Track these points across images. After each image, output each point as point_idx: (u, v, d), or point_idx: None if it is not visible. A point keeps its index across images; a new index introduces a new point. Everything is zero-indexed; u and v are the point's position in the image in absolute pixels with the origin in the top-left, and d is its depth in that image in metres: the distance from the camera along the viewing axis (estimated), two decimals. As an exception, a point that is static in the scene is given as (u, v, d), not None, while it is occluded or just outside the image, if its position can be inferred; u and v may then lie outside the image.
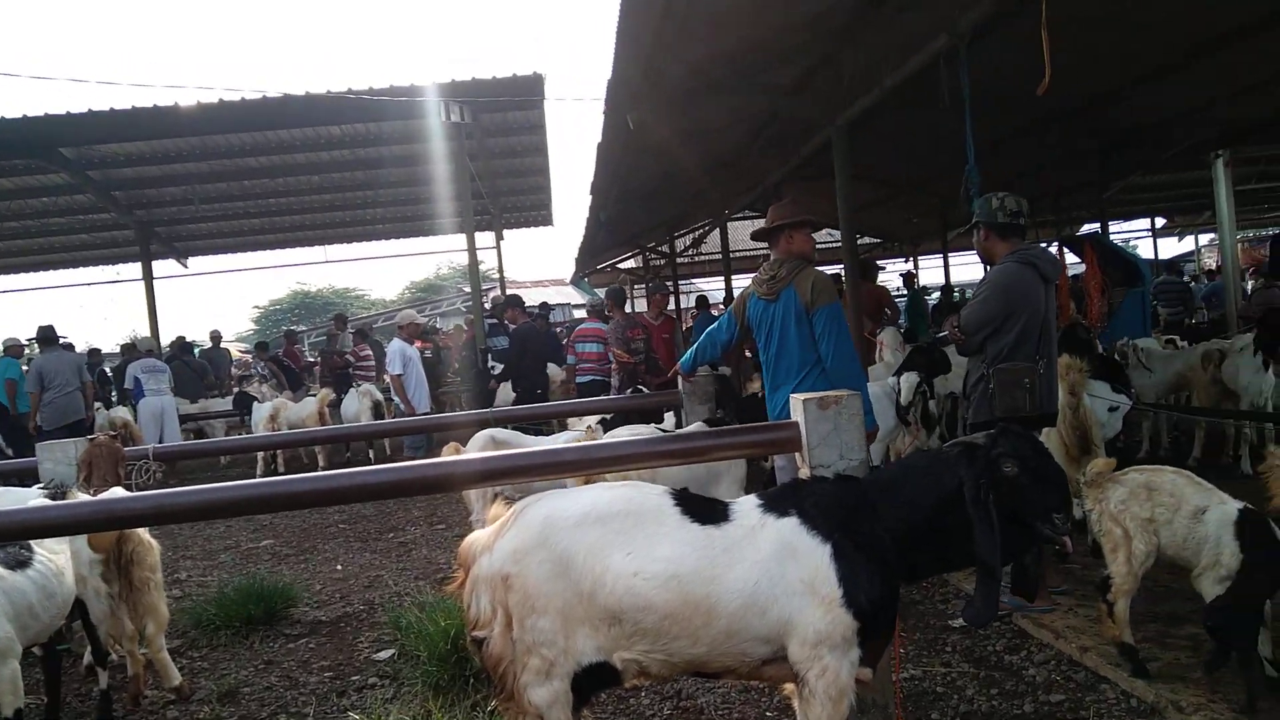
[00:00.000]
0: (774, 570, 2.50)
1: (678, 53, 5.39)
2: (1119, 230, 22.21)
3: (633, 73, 5.48)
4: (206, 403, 13.03)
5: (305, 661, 4.58)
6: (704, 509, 2.64)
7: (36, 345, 10.35)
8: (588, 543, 2.54)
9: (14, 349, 11.20)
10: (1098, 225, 12.26)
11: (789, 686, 2.70)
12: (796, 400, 2.95)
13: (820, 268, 4.39)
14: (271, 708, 4.02)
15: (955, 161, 6.87)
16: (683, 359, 4.90)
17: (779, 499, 2.66)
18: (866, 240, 16.22)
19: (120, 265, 18.48)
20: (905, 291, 14.31)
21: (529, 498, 2.73)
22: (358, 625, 5.07)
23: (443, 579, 5.82)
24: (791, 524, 2.56)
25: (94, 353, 16.77)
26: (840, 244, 8.47)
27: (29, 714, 4.10)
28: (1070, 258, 10.23)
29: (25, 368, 10.83)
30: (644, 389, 7.86)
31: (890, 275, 22.14)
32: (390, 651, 4.54)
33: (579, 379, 8.97)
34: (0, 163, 12.36)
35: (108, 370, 13.89)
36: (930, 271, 22.32)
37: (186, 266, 18.09)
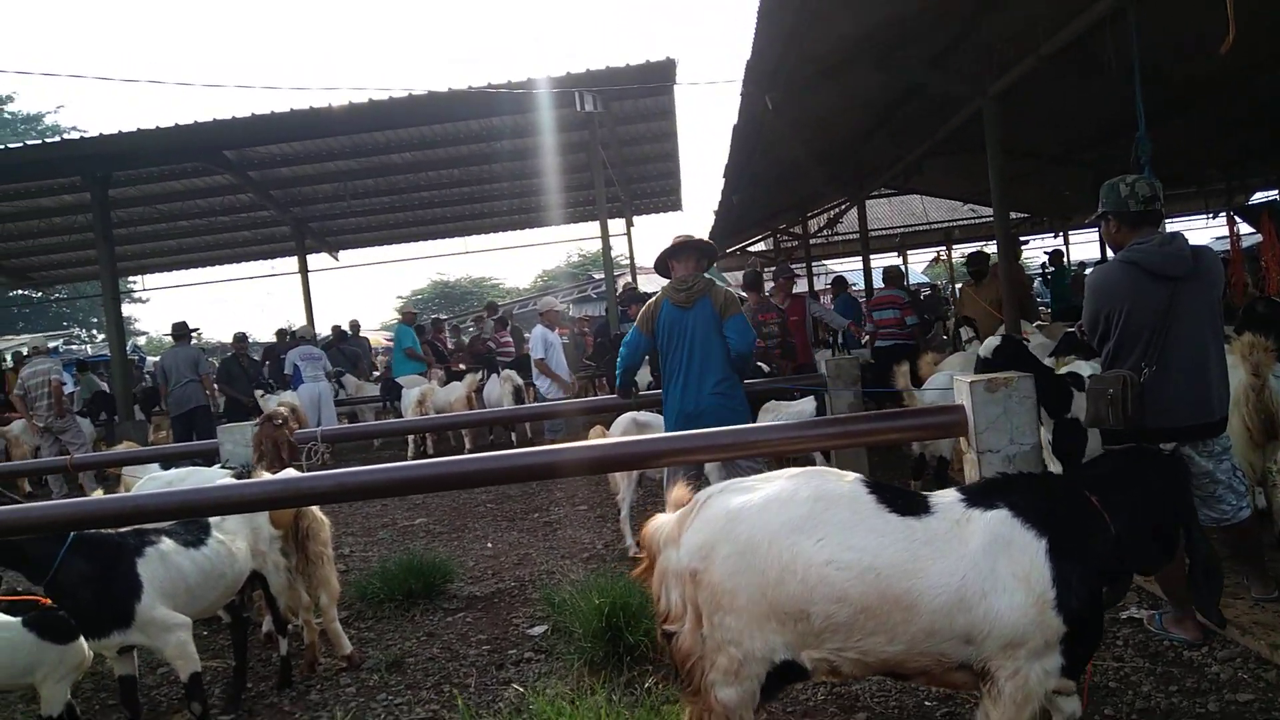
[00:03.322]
0: (983, 565, 2.39)
1: (819, 29, 5.27)
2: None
3: (773, 52, 5.41)
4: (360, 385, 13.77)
5: (464, 634, 4.76)
6: (902, 499, 2.54)
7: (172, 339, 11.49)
8: (773, 528, 2.45)
9: (408, 316, 14.11)
10: (1275, 192, 11.32)
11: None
12: (962, 383, 2.85)
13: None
14: (435, 678, 4.21)
15: (1111, 129, 6.48)
16: (619, 381, 5.31)
17: (985, 492, 2.55)
18: (1013, 215, 15.47)
19: (276, 260, 19.71)
20: (1052, 269, 13.69)
21: (711, 487, 2.68)
22: (511, 601, 5.24)
23: (589, 558, 5.96)
24: (1002, 516, 2.44)
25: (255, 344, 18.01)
26: (985, 220, 8.12)
27: (219, 676, 4.47)
28: (1244, 228, 9.49)
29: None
30: (764, 366, 7.74)
31: (1034, 251, 21.11)
32: (544, 627, 4.67)
33: (879, 344, 9.35)
34: (172, 166, 13.37)
35: (255, 358, 14.93)
36: (1084, 247, 21.19)
37: (338, 259, 19.10)
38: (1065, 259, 13.76)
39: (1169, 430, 3.54)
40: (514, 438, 11.57)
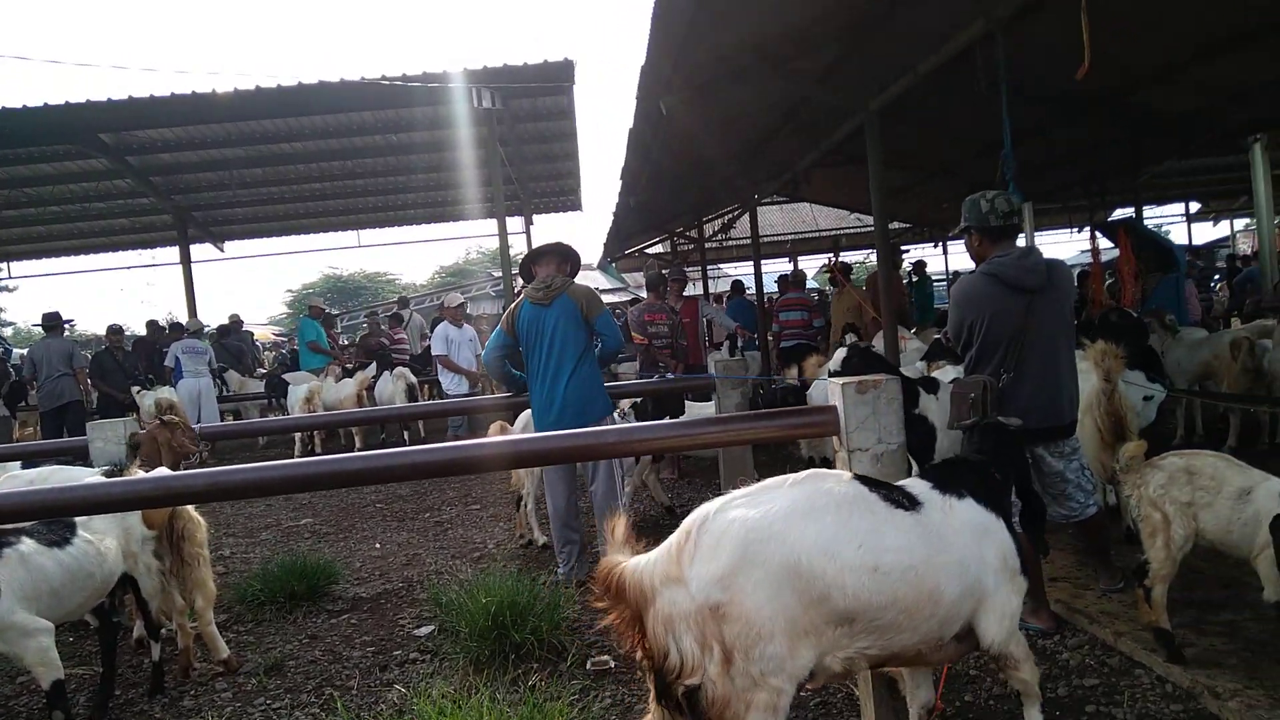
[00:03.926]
0: (975, 551, 2.53)
1: (710, 39, 5.39)
2: (1153, 215, 21.91)
3: (665, 59, 5.50)
4: (244, 382, 13.35)
5: (348, 636, 4.70)
6: (896, 493, 2.54)
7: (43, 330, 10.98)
8: (808, 543, 2.27)
9: (315, 310, 13.59)
10: (1132, 210, 12.10)
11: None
12: (835, 385, 2.99)
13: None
14: (316, 680, 4.14)
15: (987, 145, 6.84)
16: (500, 379, 5.49)
17: (944, 479, 2.69)
18: (895, 225, 16.12)
19: (157, 250, 18.83)
20: (916, 278, 14.57)
21: (699, 511, 2.40)
22: (398, 602, 5.19)
23: (479, 558, 5.95)
24: (971, 504, 2.61)
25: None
26: (872, 229, 8.48)
27: (86, 684, 4.28)
28: (1104, 243, 10.14)
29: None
30: (666, 372, 7.92)
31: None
32: (430, 627, 4.65)
33: (783, 344, 10.11)
34: (42, 148, 12.61)
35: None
36: (962, 256, 22.17)
37: (223, 251, 18.36)
38: (925, 269, 15.00)
39: (1023, 432, 3.80)
40: (406, 436, 11.40)
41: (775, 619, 2.21)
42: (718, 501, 2.40)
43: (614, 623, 2.35)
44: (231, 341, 14.43)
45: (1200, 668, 3.38)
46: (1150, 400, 5.41)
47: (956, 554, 2.48)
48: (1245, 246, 21.83)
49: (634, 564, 2.34)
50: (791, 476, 2.48)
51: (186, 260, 16.50)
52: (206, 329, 14.02)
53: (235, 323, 16.01)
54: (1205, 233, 26.03)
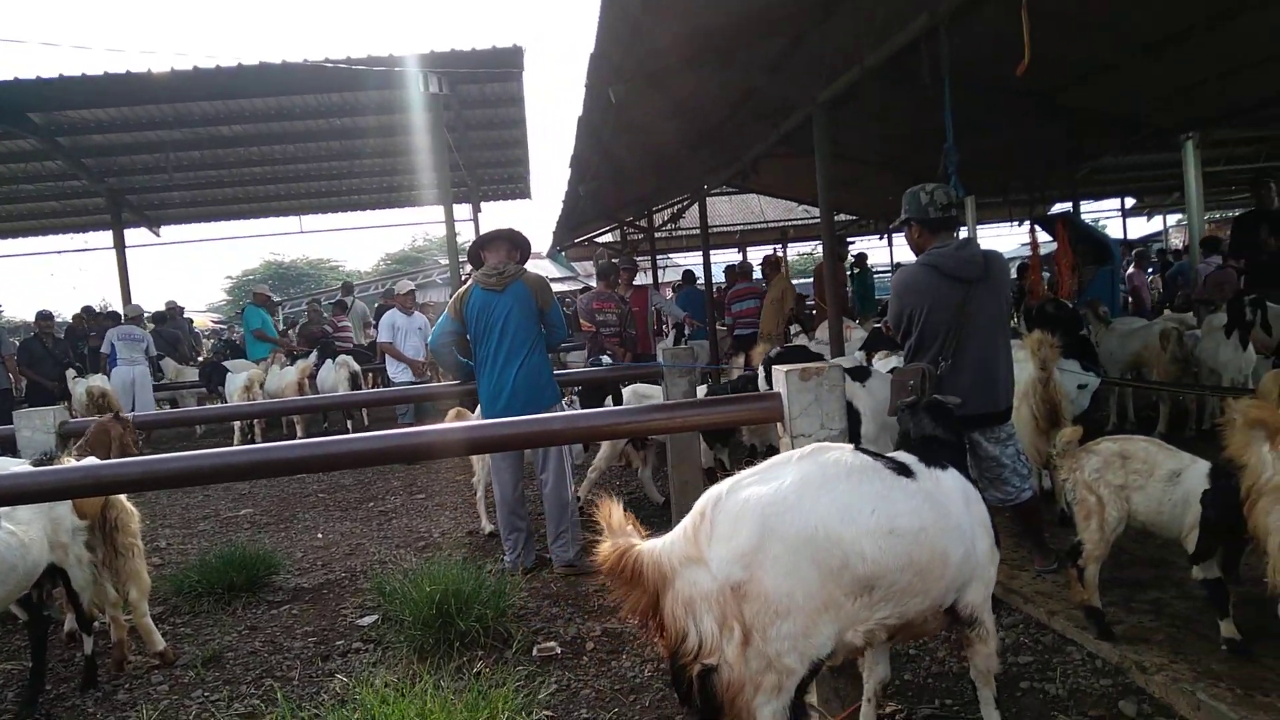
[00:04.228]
0: (967, 517, 2.57)
1: (660, 27, 5.38)
2: (1090, 210, 22.50)
3: (615, 47, 5.47)
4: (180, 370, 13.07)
5: (289, 627, 4.62)
6: (894, 463, 2.55)
7: None
8: (824, 514, 2.27)
9: (259, 297, 13.27)
10: (1069, 205, 12.40)
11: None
12: (779, 372, 3.02)
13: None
14: (256, 672, 4.07)
15: (931, 139, 6.93)
16: (447, 366, 5.47)
17: (925, 452, 2.72)
18: (842, 217, 16.31)
19: (90, 233, 18.24)
20: (857, 270, 14.81)
21: (710, 493, 2.38)
22: (340, 592, 5.12)
23: (424, 547, 5.89)
24: (954, 474, 2.66)
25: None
26: (819, 221, 8.55)
27: (14, 679, 4.15)
28: (1043, 236, 10.40)
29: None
30: (607, 359, 7.91)
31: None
32: (374, 617, 4.59)
33: (738, 333, 10.42)
34: (-34, 127, 12.14)
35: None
36: (904, 248, 22.56)
37: (159, 235, 17.86)
38: (866, 262, 15.40)
39: (961, 418, 3.89)
40: (350, 426, 11.24)
41: (793, 595, 2.21)
42: (728, 482, 2.40)
43: (628, 606, 2.31)
44: (168, 329, 14.08)
45: (1128, 644, 3.49)
46: (1084, 388, 5.57)
47: (954, 519, 2.53)
48: (1177, 241, 22.55)
49: (650, 547, 2.29)
50: (796, 452, 2.49)
51: (120, 245, 16.03)
52: (145, 315, 13.66)
53: (173, 309, 15.62)
54: (1139, 227, 26.82)
